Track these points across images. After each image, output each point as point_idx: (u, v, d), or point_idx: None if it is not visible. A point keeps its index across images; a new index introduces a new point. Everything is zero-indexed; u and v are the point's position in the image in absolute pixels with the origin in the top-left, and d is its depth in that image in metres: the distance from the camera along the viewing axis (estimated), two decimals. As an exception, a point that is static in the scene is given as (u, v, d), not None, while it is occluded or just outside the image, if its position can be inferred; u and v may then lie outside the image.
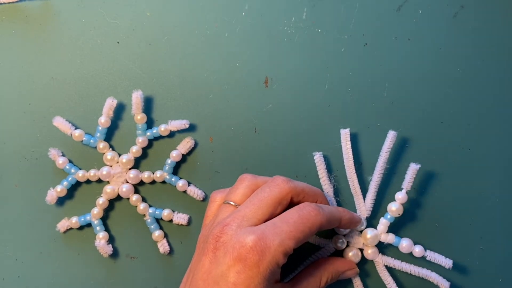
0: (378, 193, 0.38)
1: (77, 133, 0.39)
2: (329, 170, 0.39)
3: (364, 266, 0.39)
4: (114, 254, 0.39)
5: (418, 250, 0.36)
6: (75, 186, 0.40)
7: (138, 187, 0.40)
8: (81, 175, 0.39)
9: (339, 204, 0.39)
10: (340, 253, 0.38)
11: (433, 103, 0.40)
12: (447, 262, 0.36)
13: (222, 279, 0.29)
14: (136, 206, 0.39)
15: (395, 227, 0.38)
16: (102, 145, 0.39)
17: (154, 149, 0.40)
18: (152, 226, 0.39)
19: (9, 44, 0.40)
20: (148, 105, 0.40)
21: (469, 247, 0.39)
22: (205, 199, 0.39)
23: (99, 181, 0.39)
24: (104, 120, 0.38)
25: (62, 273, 0.39)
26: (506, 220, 0.39)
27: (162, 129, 0.39)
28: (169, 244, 0.39)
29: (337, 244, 0.37)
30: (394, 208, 0.36)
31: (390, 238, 0.37)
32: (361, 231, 0.38)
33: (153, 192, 0.40)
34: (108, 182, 0.39)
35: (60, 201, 0.40)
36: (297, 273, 0.35)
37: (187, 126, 0.39)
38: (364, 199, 0.38)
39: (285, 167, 0.39)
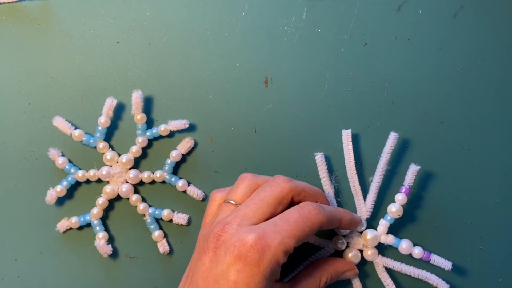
0: (378, 194, 0.38)
1: (77, 133, 0.39)
2: (329, 170, 0.39)
3: (364, 267, 0.38)
4: (114, 254, 0.39)
5: (417, 252, 0.36)
6: (75, 186, 0.40)
7: (138, 187, 0.40)
8: (80, 175, 0.39)
9: (339, 204, 0.39)
10: (340, 254, 0.38)
11: (433, 103, 0.40)
12: (446, 264, 0.36)
13: (222, 277, 0.29)
14: (136, 206, 0.39)
15: (395, 228, 0.38)
16: (102, 145, 0.39)
17: (154, 149, 0.40)
18: (152, 226, 0.39)
19: (9, 44, 0.40)
20: (148, 105, 0.40)
21: (469, 247, 0.39)
22: (205, 199, 0.39)
23: (99, 181, 0.39)
24: (104, 120, 0.38)
25: (62, 273, 0.39)
26: (506, 220, 0.39)
27: (162, 129, 0.39)
28: (169, 244, 0.39)
29: (337, 245, 0.37)
30: (394, 209, 0.36)
31: (390, 240, 0.37)
32: (361, 232, 0.38)
33: (153, 192, 0.40)
34: (108, 182, 0.39)
35: (60, 201, 0.40)
36: (297, 273, 0.35)
37: (187, 126, 0.39)
38: (364, 200, 0.38)
39: (285, 167, 0.39)
